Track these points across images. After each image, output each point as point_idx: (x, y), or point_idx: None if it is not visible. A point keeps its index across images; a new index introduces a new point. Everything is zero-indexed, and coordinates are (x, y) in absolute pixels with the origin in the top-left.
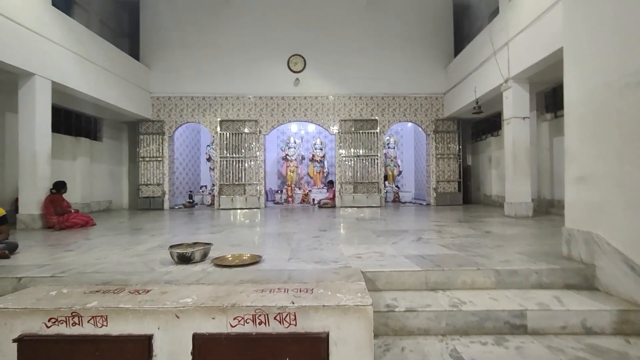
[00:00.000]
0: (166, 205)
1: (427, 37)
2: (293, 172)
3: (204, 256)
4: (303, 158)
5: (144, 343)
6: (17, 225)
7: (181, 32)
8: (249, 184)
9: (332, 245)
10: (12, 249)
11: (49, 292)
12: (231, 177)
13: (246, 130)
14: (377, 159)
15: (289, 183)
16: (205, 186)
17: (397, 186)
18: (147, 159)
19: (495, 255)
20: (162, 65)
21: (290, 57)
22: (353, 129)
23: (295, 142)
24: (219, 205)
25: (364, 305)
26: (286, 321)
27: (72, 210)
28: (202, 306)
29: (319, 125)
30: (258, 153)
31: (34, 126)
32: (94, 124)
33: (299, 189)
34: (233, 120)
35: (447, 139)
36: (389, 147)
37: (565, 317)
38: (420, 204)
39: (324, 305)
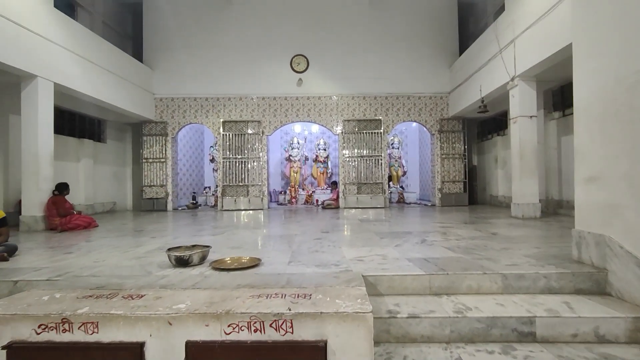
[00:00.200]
0: (169, 206)
1: (431, 35)
2: (296, 173)
3: (203, 259)
4: (307, 159)
5: (136, 351)
6: (20, 227)
7: (184, 33)
8: (252, 185)
9: (333, 247)
10: (11, 251)
11: (41, 297)
12: (234, 178)
13: (249, 131)
14: (381, 160)
15: (293, 184)
16: (209, 187)
17: (401, 187)
18: (151, 160)
19: (502, 258)
20: (165, 67)
21: (293, 57)
22: (357, 129)
23: (298, 143)
24: (222, 206)
25: (364, 312)
26: (282, 329)
27: (75, 212)
28: (195, 312)
29: (322, 125)
30: (261, 154)
31: (37, 128)
32: (98, 125)
33: (303, 189)
34: (236, 121)
35: (452, 138)
36: (393, 147)
37: (577, 325)
38: (425, 204)
39: (321, 312)
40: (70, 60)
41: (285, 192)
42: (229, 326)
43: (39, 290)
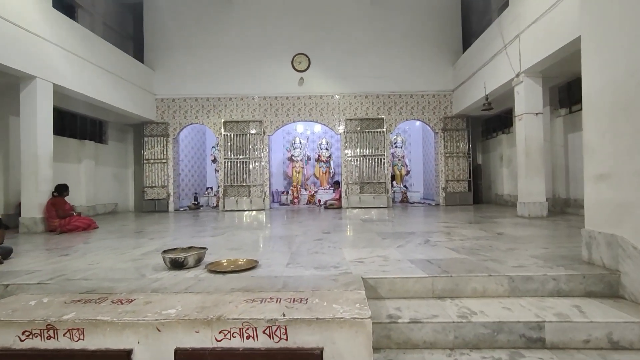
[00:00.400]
0: (171, 207)
1: (434, 33)
2: (299, 173)
3: (198, 261)
4: (309, 158)
5: (123, 358)
6: (20, 228)
7: (185, 33)
8: (254, 186)
9: (334, 249)
10: (6, 253)
11: (28, 302)
12: (236, 179)
13: (250, 131)
14: (384, 159)
15: (295, 184)
16: (211, 188)
17: (405, 186)
18: (152, 161)
19: (508, 259)
20: (166, 67)
21: (295, 56)
22: (359, 128)
23: (300, 143)
24: (224, 207)
25: (362, 318)
26: (276, 335)
27: (75, 213)
28: (185, 318)
29: (324, 124)
30: (263, 154)
31: (36, 129)
32: (99, 126)
33: (305, 189)
34: (237, 121)
35: (456, 137)
36: (396, 147)
37: (589, 330)
38: (429, 204)
39: (317, 318)
40: (69, 61)
41: (287, 192)
42: (220, 332)
43: (27, 295)
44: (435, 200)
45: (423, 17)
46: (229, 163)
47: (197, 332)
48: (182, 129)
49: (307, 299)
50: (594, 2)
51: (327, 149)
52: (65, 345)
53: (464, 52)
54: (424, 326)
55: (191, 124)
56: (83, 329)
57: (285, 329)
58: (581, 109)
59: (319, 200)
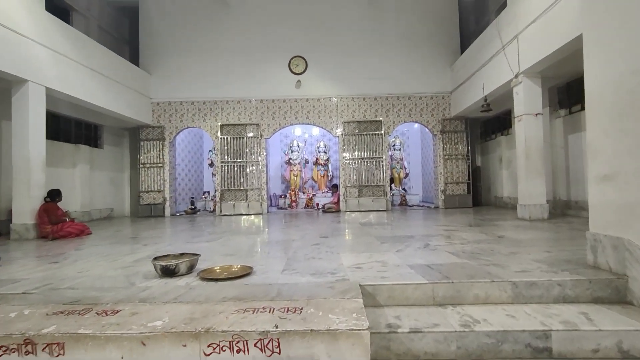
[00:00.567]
0: (167, 212)
1: (431, 34)
2: (297, 176)
3: (191, 268)
4: (307, 162)
5: None
6: (11, 235)
7: (181, 36)
8: (251, 189)
9: (331, 254)
10: None
11: (7, 314)
12: (233, 183)
13: (248, 134)
14: (383, 161)
15: (293, 187)
16: (208, 192)
17: (404, 189)
18: (148, 165)
19: (511, 264)
20: (162, 71)
21: (292, 58)
22: (357, 131)
23: (298, 146)
24: (221, 211)
25: (359, 330)
26: (268, 348)
27: (68, 219)
28: (172, 331)
29: (322, 127)
30: (260, 157)
31: (28, 133)
32: (94, 131)
33: (303, 193)
34: (234, 125)
35: (454, 139)
36: (394, 149)
37: (597, 338)
38: (429, 207)
39: (312, 330)
40: (63, 65)
41: (285, 196)
42: (208, 346)
43: (9, 306)
44: (434, 203)
45: (420, 19)
46: (226, 167)
47: (185, 345)
48: (179, 132)
49: (301, 309)
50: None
51: (325, 152)
52: None
53: (461, 53)
54: (424, 336)
55: (187, 127)
56: (63, 343)
57: (278, 342)
58: (581, 110)
59: (317, 204)
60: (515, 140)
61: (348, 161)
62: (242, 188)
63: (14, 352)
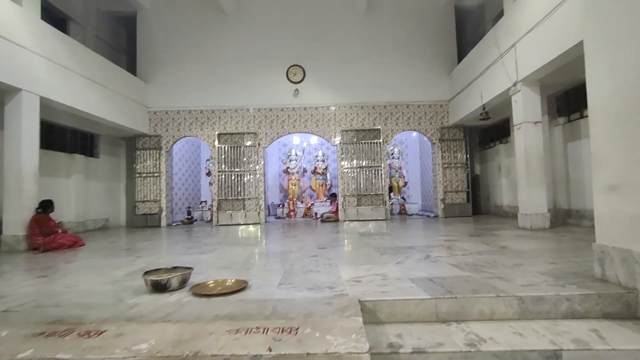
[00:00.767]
0: (163, 222)
1: (429, 43)
2: (295, 186)
3: (183, 283)
4: (305, 170)
5: None
6: (1, 247)
7: (178, 45)
8: (249, 199)
9: (329, 266)
10: None
11: None
12: (230, 192)
13: (245, 143)
14: (381, 170)
15: (291, 197)
16: (205, 201)
17: (402, 198)
18: (144, 174)
19: (516, 276)
20: (159, 79)
21: (289, 67)
22: (355, 140)
23: (296, 155)
24: (218, 221)
25: (359, 353)
26: None
27: (60, 230)
28: (157, 355)
29: (320, 136)
30: (258, 166)
31: (20, 143)
32: (90, 140)
33: (301, 202)
34: (231, 133)
35: (453, 147)
36: (393, 158)
37: (612, 359)
38: (428, 216)
39: (308, 354)
40: (58, 74)
41: (283, 205)
42: None
43: None
44: (433, 211)
45: (418, 27)
46: (223, 176)
47: None
48: (175, 141)
49: (297, 329)
50: (597, 4)
51: (324, 161)
52: None
53: (459, 61)
54: (428, 357)
55: (184, 136)
56: None
57: None
58: (580, 118)
59: (316, 213)
60: (514, 148)
61: (346, 170)
62: (239, 197)
63: None
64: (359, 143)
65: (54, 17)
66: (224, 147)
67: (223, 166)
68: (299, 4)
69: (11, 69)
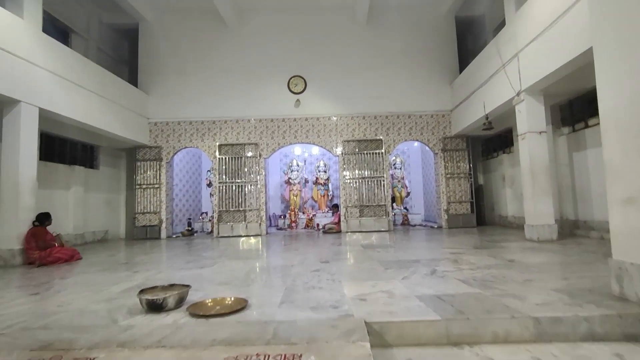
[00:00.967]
0: (163, 234)
1: (430, 53)
2: (296, 196)
3: (180, 302)
4: (306, 181)
5: None
6: None
7: (179, 56)
8: (250, 210)
9: (332, 282)
10: None
11: None
12: (231, 203)
13: (246, 154)
14: (384, 180)
15: (292, 207)
16: (206, 213)
17: (405, 208)
18: (144, 186)
19: (528, 294)
20: (160, 91)
21: (291, 78)
22: (357, 150)
23: (298, 165)
24: (218, 233)
25: None
26: None
27: (57, 244)
28: None
29: (322, 147)
30: (259, 177)
31: (18, 155)
32: (90, 151)
33: (303, 213)
34: (232, 144)
35: (456, 157)
36: (395, 168)
37: None
38: (431, 226)
39: None
40: (58, 85)
41: (285, 216)
42: None
43: None
44: (437, 222)
45: (419, 38)
46: (224, 187)
47: None
48: (176, 152)
49: (300, 356)
50: (606, 10)
51: (325, 172)
52: None
53: (460, 71)
54: None
55: (185, 147)
56: None
57: None
58: (585, 127)
59: (318, 224)
60: (517, 158)
61: (348, 180)
62: (240, 209)
63: None
64: (361, 153)
65: (56, 29)
66: (225, 158)
67: (224, 177)
68: (300, 15)
69: (10, 81)
